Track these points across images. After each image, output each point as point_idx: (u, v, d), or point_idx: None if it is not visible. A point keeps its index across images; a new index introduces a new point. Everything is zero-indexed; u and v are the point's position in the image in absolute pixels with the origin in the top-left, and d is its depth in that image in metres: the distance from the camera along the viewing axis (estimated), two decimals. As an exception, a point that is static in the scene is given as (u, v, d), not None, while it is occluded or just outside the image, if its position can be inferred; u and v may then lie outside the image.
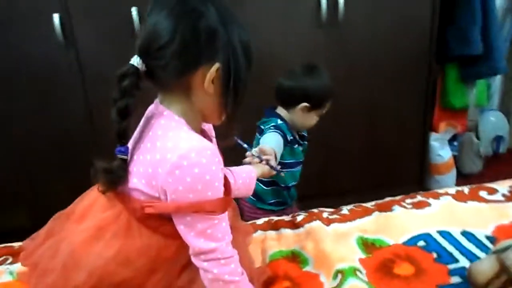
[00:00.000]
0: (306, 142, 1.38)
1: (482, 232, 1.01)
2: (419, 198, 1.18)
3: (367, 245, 1.00)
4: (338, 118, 1.89)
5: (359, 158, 1.99)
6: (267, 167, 1.01)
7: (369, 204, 1.19)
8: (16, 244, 1.07)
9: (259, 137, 1.28)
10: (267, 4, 1.71)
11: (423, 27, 1.85)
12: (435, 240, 0.99)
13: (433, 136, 2.02)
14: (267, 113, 1.32)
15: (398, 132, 1.97)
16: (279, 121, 1.27)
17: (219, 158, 0.73)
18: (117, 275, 0.74)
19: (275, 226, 1.10)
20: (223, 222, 0.74)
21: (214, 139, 0.87)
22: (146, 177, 0.72)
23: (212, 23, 0.69)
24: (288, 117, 1.30)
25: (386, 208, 1.14)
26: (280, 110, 1.31)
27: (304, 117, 1.28)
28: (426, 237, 1.01)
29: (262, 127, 1.28)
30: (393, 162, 2.02)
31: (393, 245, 0.99)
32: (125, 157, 0.73)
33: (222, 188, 0.74)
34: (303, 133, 1.38)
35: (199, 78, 0.71)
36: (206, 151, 0.70)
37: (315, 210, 1.17)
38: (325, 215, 1.13)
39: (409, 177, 2.06)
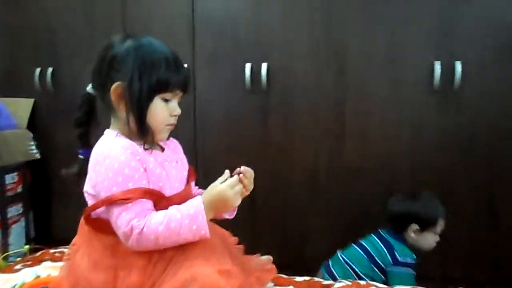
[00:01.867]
0: None
1: None
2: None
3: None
4: (447, 195, 1.67)
5: (472, 246, 1.68)
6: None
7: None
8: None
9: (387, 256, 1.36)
10: (374, 67, 1.69)
11: None
12: None
13: None
14: (398, 238, 1.39)
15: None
16: (414, 258, 1.36)
17: (132, 151, 0.86)
18: (94, 279, 0.84)
19: (308, 287, 1.02)
20: (137, 204, 0.83)
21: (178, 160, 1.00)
22: (89, 181, 0.89)
23: (118, 51, 0.88)
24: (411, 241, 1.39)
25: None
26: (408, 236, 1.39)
27: (420, 239, 1.38)
28: None
29: (397, 255, 1.35)
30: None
31: None
32: (82, 157, 0.95)
33: (138, 176, 0.85)
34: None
35: (112, 95, 0.88)
36: (117, 146, 0.86)
37: (363, 283, 1.04)
38: (371, 290, 1.00)
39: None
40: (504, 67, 1.58)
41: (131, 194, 0.83)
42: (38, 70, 2.04)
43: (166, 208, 0.87)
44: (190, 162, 2.00)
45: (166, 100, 0.91)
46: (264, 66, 1.76)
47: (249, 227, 1.84)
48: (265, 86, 1.77)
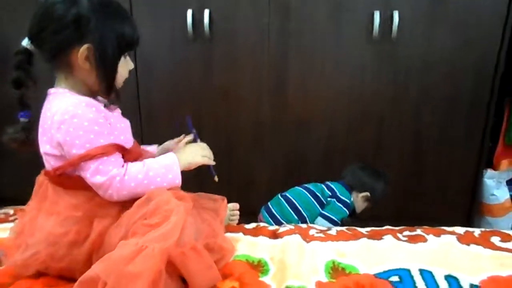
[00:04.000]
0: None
1: (468, 279, 0.89)
2: (418, 232, 1.08)
3: (336, 269, 0.94)
4: (381, 141, 1.82)
5: (399, 187, 1.86)
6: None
7: (364, 230, 1.12)
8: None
9: (329, 195, 1.49)
10: (316, 17, 1.70)
11: (490, 51, 1.68)
12: (411, 277, 0.90)
13: (489, 173, 1.81)
14: (346, 187, 1.52)
15: (447, 164, 1.81)
16: (352, 199, 1.50)
17: (96, 108, 0.88)
18: (64, 234, 0.85)
19: (256, 233, 1.10)
20: (111, 157, 0.87)
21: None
22: (49, 142, 0.88)
23: (82, 11, 0.84)
24: None
25: (377, 235, 1.07)
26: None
27: (358, 202, 1.53)
28: (404, 273, 0.92)
29: (338, 192, 1.49)
30: (438, 196, 1.85)
31: (362, 274, 0.92)
32: (25, 120, 0.89)
33: (107, 132, 0.88)
34: None
35: (75, 56, 0.86)
36: (81, 104, 0.86)
37: (304, 226, 1.14)
38: (311, 232, 1.10)
39: (456, 214, 1.87)
40: (436, 18, 1.66)
41: (108, 149, 0.86)
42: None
43: (130, 160, 0.92)
44: (133, 113, 1.95)
45: (125, 56, 0.93)
46: (206, 13, 1.71)
47: (194, 173, 1.87)
48: (208, 33, 1.73)
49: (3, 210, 1.22)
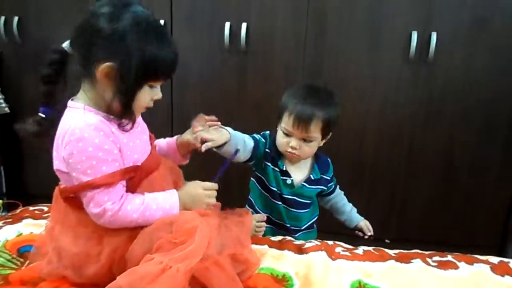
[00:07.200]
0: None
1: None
2: (449, 258, 1.05)
3: (362, 289, 0.92)
4: (410, 160, 1.78)
5: (429, 210, 1.82)
6: None
7: (392, 252, 1.10)
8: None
9: None
10: (353, 34, 1.70)
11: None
12: (440, 305, 0.88)
13: (525, 203, 1.75)
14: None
15: (478, 190, 1.76)
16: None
17: (105, 132, 0.83)
18: (78, 252, 0.86)
19: (281, 246, 1.09)
20: (110, 188, 0.84)
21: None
22: (58, 158, 0.87)
23: (119, 29, 0.80)
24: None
25: (405, 259, 1.04)
26: None
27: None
28: (432, 299, 0.89)
29: None
30: (468, 222, 1.80)
31: (389, 297, 0.90)
32: (43, 115, 0.90)
33: (112, 159, 0.84)
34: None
35: (98, 72, 0.82)
36: (89, 127, 0.82)
37: (330, 243, 1.13)
38: (337, 249, 1.08)
39: (485, 241, 1.80)
40: (476, 41, 1.63)
41: (112, 179, 0.84)
42: (2, 18, 1.93)
43: (141, 177, 0.91)
44: (165, 120, 1.99)
45: (151, 86, 0.89)
46: (243, 26, 1.74)
47: (220, 184, 1.88)
48: (244, 46, 1.76)
49: (38, 207, 1.27)
